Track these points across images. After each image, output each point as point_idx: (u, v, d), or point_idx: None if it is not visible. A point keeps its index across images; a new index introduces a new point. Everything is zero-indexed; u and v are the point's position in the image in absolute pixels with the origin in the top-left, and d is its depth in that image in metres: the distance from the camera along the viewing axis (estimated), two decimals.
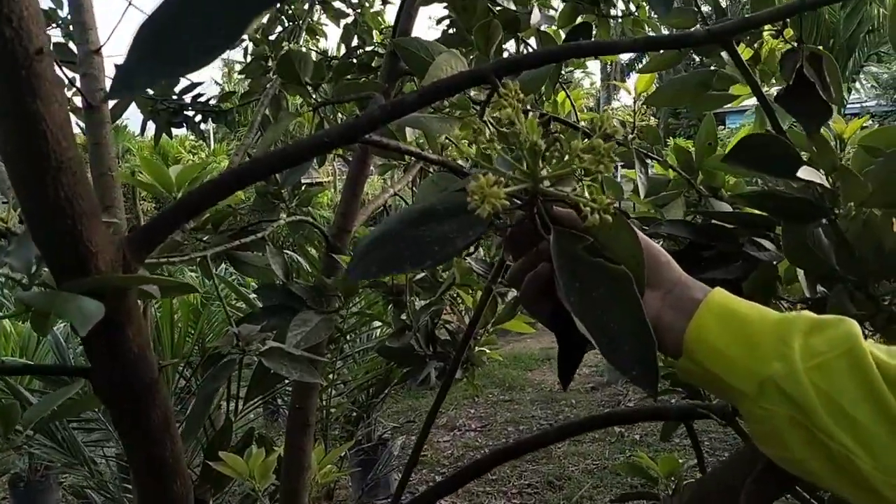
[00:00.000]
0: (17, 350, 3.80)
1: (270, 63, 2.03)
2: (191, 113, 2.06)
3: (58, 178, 0.54)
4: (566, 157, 0.51)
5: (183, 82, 2.06)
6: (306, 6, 2.17)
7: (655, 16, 1.13)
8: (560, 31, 1.44)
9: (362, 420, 3.54)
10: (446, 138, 1.33)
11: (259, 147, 1.53)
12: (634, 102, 1.28)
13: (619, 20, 1.53)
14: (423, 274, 1.34)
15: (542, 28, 1.42)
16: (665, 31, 1.68)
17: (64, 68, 1.57)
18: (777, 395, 0.50)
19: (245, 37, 1.75)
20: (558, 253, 0.51)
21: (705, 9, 1.11)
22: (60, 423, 2.53)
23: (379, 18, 2.29)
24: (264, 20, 2.13)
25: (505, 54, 1.34)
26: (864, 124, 1.08)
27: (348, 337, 3.11)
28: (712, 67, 1.09)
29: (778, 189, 0.83)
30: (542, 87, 1.16)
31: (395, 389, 3.69)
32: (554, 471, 4.05)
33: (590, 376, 5.63)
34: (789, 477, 0.56)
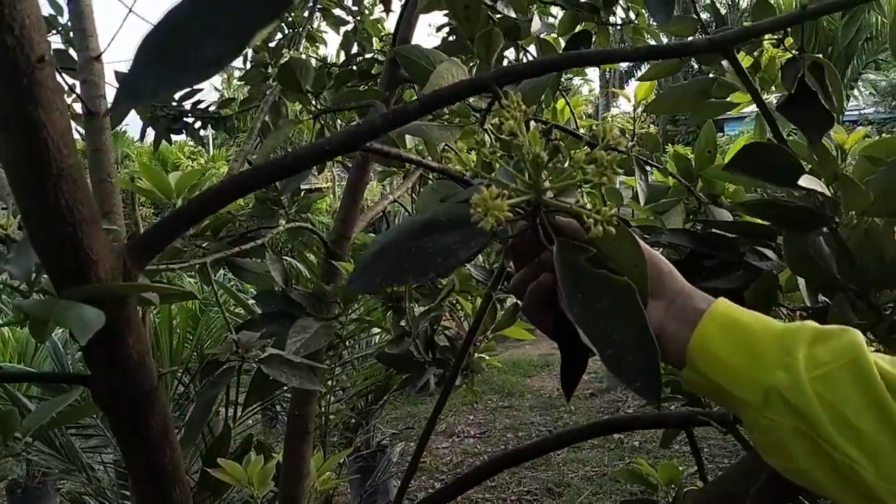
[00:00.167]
0: (16, 356, 3.79)
1: (270, 70, 2.03)
2: (190, 119, 2.07)
3: (58, 185, 0.54)
4: (569, 168, 0.51)
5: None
6: (306, 13, 2.17)
7: (655, 23, 1.13)
8: (560, 38, 1.44)
9: (361, 426, 3.53)
10: (446, 146, 1.33)
11: (259, 154, 1.53)
12: (634, 110, 1.28)
13: (619, 28, 1.54)
14: None
15: (542, 36, 1.42)
16: (664, 39, 1.68)
17: (64, 75, 1.57)
18: (781, 406, 0.50)
19: None
20: (561, 264, 0.51)
21: (704, 16, 1.11)
22: (58, 429, 2.52)
23: (379, 26, 2.30)
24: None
25: (505, 62, 1.34)
26: (865, 134, 1.08)
27: (347, 343, 3.11)
28: (711, 75, 1.09)
29: (779, 198, 0.83)
30: (542, 95, 1.16)
31: (393, 396, 3.69)
32: (553, 477, 4.05)
33: (589, 382, 5.62)
34: (793, 487, 0.55)
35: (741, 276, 0.81)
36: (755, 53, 1.08)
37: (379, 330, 3.14)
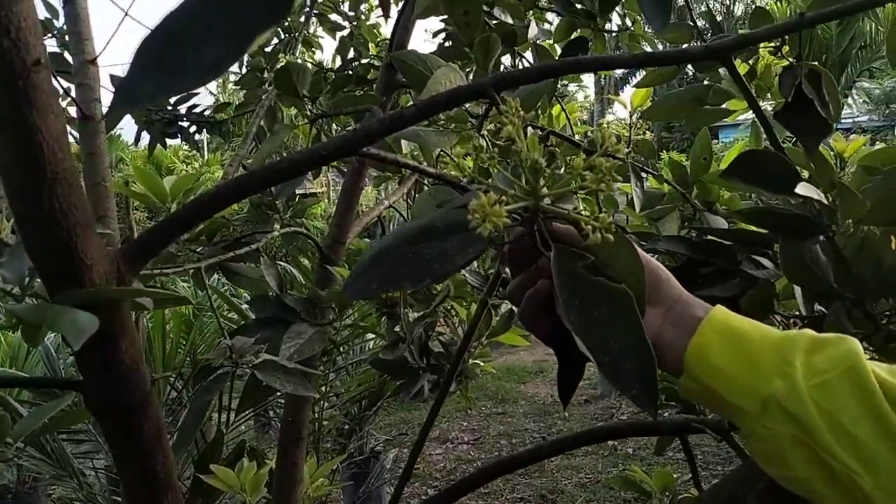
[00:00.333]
0: (7, 360, 3.77)
1: (266, 74, 2.03)
2: (186, 123, 2.06)
3: (53, 189, 0.54)
4: (567, 175, 0.51)
5: None
6: (302, 18, 2.17)
7: (652, 31, 1.13)
8: (556, 45, 1.45)
9: (355, 432, 3.52)
10: (442, 151, 1.33)
11: (255, 159, 1.53)
12: (630, 116, 1.29)
13: (616, 35, 1.54)
14: None
15: (539, 42, 1.42)
16: (660, 46, 1.68)
17: (59, 78, 1.56)
18: (779, 414, 0.50)
19: None
20: (558, 271, 0.50)
21: (700, 23, 1.12)
22: (49, 435, 2.51)
23: (375, 31, 2.30)
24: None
25: (501, 68, 1.34)
26: (861, 143, 1.08)
27: (341, 349, 3.10)
28: (706, 82, 1.10)
29: (776, 205, 0.83)
30: (540, 102, 1.16)
31: (387, 402, 3.68)
32: (547, 484, 4.04)
33: (583, 389, 5.62)
34: (791, 496, 0.55)
35: (738, 284, 0.81)
36: (751, 61, 1.09)
37: (373, 335, 3.13)
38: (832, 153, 1.02)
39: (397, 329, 1.31)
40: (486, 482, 1.13)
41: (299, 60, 2.23)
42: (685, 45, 1.10)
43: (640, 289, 0.54)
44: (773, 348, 0.52)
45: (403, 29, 1.53)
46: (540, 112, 1.55)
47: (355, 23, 2.28)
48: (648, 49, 1.52)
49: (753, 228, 0.85)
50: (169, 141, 2.10)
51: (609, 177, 0.48)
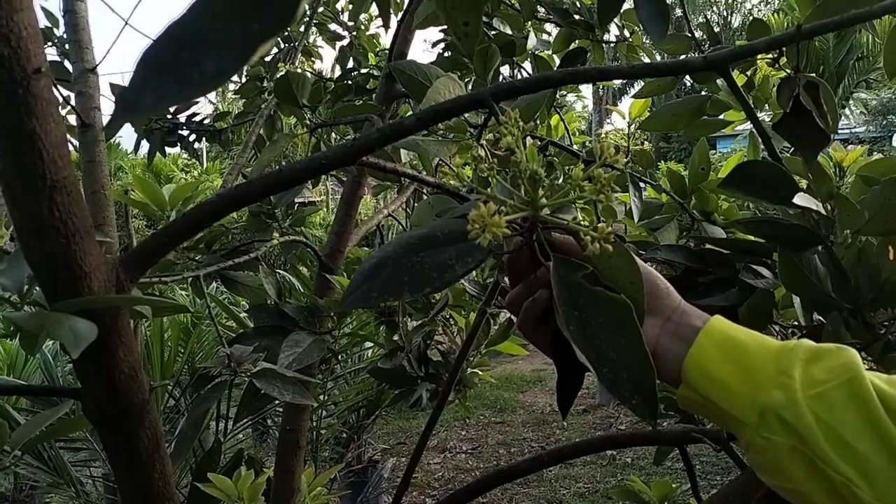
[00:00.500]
0: (5, 368, 3.76)
1: (265, 84, 2.03)
2: (185, 132, 2.06)
3: (52, 196, 0.54)
4: (566, 185, 0.51)
5: None
6: (302, 28, 2.18)
7: (650, 41, 1.14)
8: (554, 56, 1.45)
9: (353, 441, 3.51)
10: (440, 161, 1.34)
11: (255, 168, 1.53)
12: (629, 127, 1.29)
13: (614, 45, 1.54)
14: None
15: (538, 52, 1.43)
16: (658, 57, 1.69)
17: (59, 86, 1.57)
18: (778, 425, 0.49)
19: None
20: (558, 281, 0.51)
21: (697, 34, 1.12)
22: (47, 442, 2.50)
23: (374, 41, 2.30)
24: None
25: (500, 78, 1.34)
26: (860, 153, 1.08)
27: (340, 357, 3.10)
28: (704, 93, 1.10)
29: (774, 215, 0.83)
30: (539, 112, 1.17)
31: (385, 411, 3.67)
32: (545, 494, 4.03)
33: (582, 398, 5.61)
34: None
35: (736, 294, 0.81)
36: (749, 72, 1.09)
37: (371, 344, 3.13)
38: (831, 162, 1.03)
39: (396, 338, 1.31)
40: (485, 492, 1.13)
41: (299, 70, 2.23)
42: (683, 56, 1.10)
43: (639, 298, 0.54)
44: (772, 359, 0.52)
45: (403, 39, 1.54)
46: (538, 123, 1.56)
47: (355, 33, 2.28)
48: (647, 60, 1.52)
49: (752, 238, 0.85)
50: (168, 149, 2.10)
51: (608, 187, 0.48)
